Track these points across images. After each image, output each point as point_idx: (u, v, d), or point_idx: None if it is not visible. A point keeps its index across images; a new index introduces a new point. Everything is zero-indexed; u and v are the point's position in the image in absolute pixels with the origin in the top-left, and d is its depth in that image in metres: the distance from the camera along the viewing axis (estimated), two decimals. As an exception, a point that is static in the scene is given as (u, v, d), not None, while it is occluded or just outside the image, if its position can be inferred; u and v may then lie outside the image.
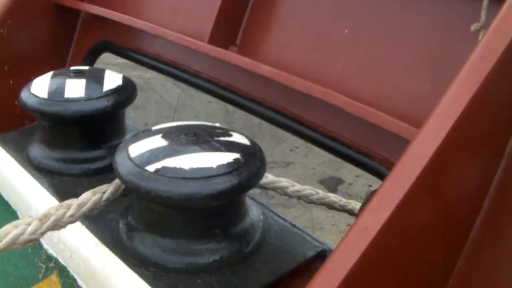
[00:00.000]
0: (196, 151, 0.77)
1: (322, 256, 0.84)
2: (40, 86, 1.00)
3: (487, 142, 0.67)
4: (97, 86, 1.00)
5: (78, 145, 1.00)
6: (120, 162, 0.78)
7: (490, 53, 0.63)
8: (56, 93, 0.98)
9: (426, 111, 0.63)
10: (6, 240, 0.68)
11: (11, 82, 1.25)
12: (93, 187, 0.94)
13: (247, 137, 0.84)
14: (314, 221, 2.96)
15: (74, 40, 1.32)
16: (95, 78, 1.02)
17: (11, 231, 0.69)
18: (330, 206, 1.10)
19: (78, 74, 1.02)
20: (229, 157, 0.77)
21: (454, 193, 0.66)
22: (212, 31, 1.02)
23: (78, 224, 0.84)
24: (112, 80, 1.02)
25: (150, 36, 1.17)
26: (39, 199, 0.95)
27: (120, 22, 1.17)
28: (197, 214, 0.78)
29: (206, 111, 3.99)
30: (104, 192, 0.81)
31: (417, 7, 0.85)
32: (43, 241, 0.91)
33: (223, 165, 0.75)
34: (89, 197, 0.79)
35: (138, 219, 0.82)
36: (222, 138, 0.81)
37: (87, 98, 0.97)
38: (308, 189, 1.03)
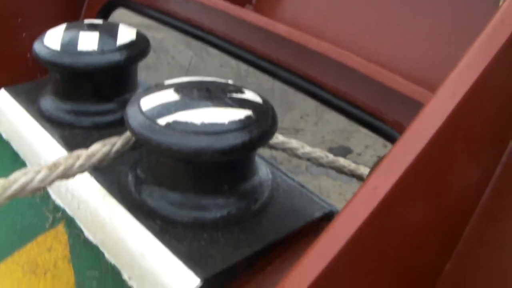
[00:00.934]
0: (207, 106, 0.76)
1: (329, 217, 0.84)
2: (53, 38, 0.99)
3: (500, 114, 0.66)
4: (110, 39, 0.99)
5: (90, 98, 1.00)
6: (131, 114, 0.78)
7: (511, 18, 0.62)
8: (69, 45, 0.97)
9: (442, 76, 0.62)
10: (15, 186, 0.68)
11: (24, 35, 1.24)
12: (104, 139, 0.95)
13: (259, 95, 0.83)
14: (322, 189, 2.96)
15: (88, -6, 1.31)
16: (109, 32, 1.01)
17: (20, 178, 0.69)
18: (339, 170, 1.10)
19: (92, 27, 1.01)
20: (241, 113, 0.76)
21: (463, 163, 0.65)
22: (228, -12, 1.01)
23: (86, 175, 0.84)
24: (125, 34, 1.01)
25: (165, -8, 1.16)
26: (49, 150, 0.95)
27: None
28: (207, 169, 0.78)
29: (218, 74, 3.97)
30: (114, 144, 0.81)
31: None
32: (51, 191, 0.91)
33: (234, 121, 0.75)
34: (99, 148, 0.79)
35: (147, 172, 0.82)
36: (234, 95, 0.80)
37: (100, 51, 0.96)
38: (318, 152, 1.03)
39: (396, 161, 0.58)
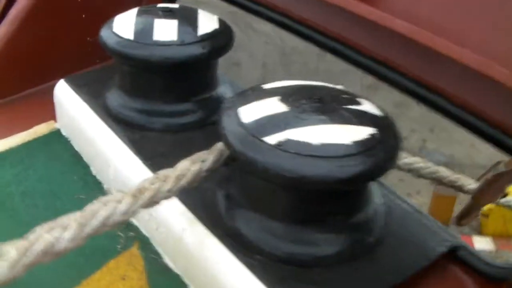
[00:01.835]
0: (324, 122, 0.63)
1: (453, 252, 0.71)
2: (124, 25, 0.86)
3: None
4: (190, 28, 0.85)
5: (165, 96, 0.87)
6: (230, 128, 0.65)
7: None
8: (143, 35, 0.84)
9: None
10: (95, 222, 0.55)
11: (83, 16, 1.11)
12: (179, 145, 0.83)
13: (377, 105, 0.70)
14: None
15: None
16: (188, 19, 0.87)
17: (99, 210, 0.57)
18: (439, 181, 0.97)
19: (168, 13, 0.87)
20: (364, 132, 0.63)
21: None
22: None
23: None
24: (207, 22, 0.87)
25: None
26: (118, 156, 0.83)
27: None
28: (319, 197, 0.65)
29: (262, 52, 3.82)
30: (203, 161, 0.67)
31: None
32: None
33: (357, 142, 0.61)
34: (188, 167, 0.65)
35: (242, 194, 0.69)
36: (350, 106, 0.66)
37: (180, 43, 0.83)
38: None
39: None
